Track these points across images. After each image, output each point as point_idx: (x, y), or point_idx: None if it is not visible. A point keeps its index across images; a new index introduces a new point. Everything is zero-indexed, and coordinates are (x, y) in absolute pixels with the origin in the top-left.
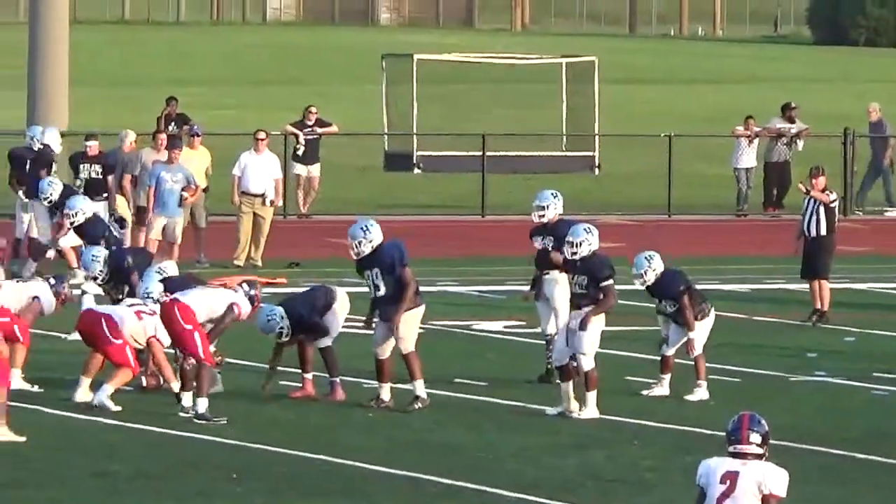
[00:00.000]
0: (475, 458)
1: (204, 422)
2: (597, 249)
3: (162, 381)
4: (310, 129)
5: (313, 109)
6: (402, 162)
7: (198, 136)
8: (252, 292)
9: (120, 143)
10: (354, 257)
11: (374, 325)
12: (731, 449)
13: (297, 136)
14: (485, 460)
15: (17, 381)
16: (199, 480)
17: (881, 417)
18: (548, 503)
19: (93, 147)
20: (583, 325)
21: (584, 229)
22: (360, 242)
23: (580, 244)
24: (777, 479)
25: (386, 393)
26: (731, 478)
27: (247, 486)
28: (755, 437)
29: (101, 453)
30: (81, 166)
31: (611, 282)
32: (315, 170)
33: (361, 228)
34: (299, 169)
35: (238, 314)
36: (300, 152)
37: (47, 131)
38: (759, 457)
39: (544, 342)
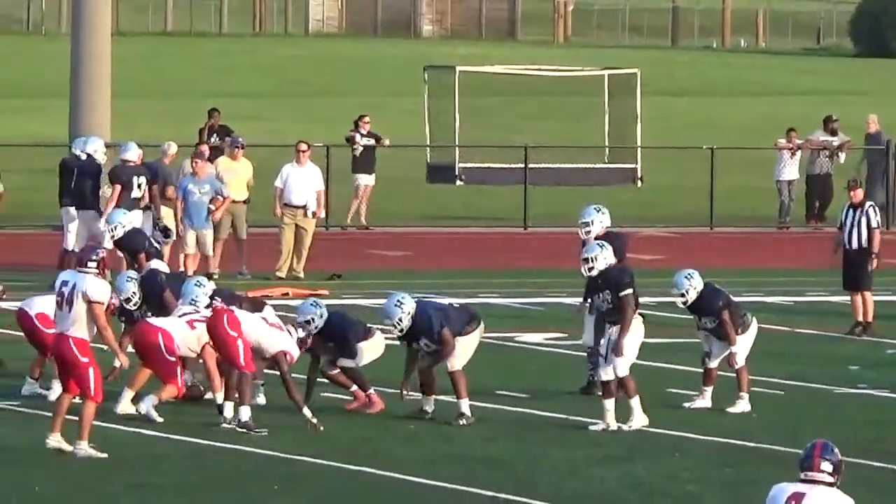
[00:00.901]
0: (518, 470)
1: (245, 430)
2: (613, 262)
3: (199, 392)
4: (366, 137)
5: (366, 119)
6: (444, 174)
7: (240, 147)
8: (302, 335)
9: (162, 154)
10: (399, 334)
11: (405, 396)
12: (802, 476)
13: (352, 140)
14: (527, 472)
15: (28, 387)
16: (242, 492)
17: None
18: None
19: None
20: (617, 352)
21: (598, 244)
22: (400, 319)
23: (595, 259)
24: None
25: (430, 405)
26: (796, 499)
27: (290, 497)
28: (826, 466)
29: (144, 465)
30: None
31: (629, 291)
32: (372, 179)
33: (395, 305)
34: (364, 179)
35: (291, 361)
36: (357, 153)
37: (90, 142)
38: (829, 485)
39: (585, 353)
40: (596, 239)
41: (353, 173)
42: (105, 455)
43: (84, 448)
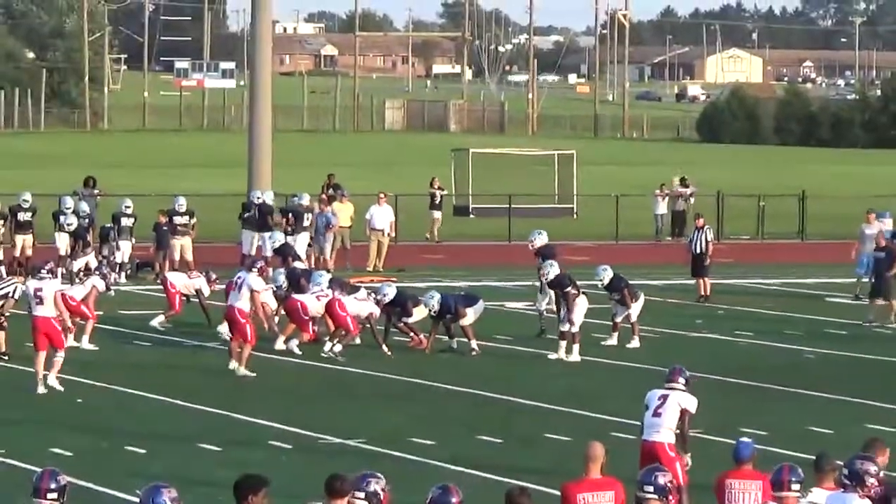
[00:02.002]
0: (509, 379)
1: (337, 356)
2: (558, 272)
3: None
4: (438, 188)
5: (437, 179)
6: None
7: (345, 196)
8: (378, 297)
9: (299, 199)
10: (433, 314)
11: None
12: (666, 385)
13: (435, 191)
14: (511, 378)
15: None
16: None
17: None
18: None
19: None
20: (570, 320)
21: (549, 263)
22: (432, 306)
23: (547, 274)
24: None
25: (454, 344)
26: (663, 397)
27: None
28: (681, 378)
29: (289, 380)
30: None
31: (569, 289)
32: (440, 214)
33: (430, 298)
34: (436, 214)
35: (374, 317)
36: (435, 203)
37: (265, 194)
38: (683, 390)
39: (538, 314)
40: (538, 250)
41: (430, 209)
42: (255, 374)
43: (244, 371)
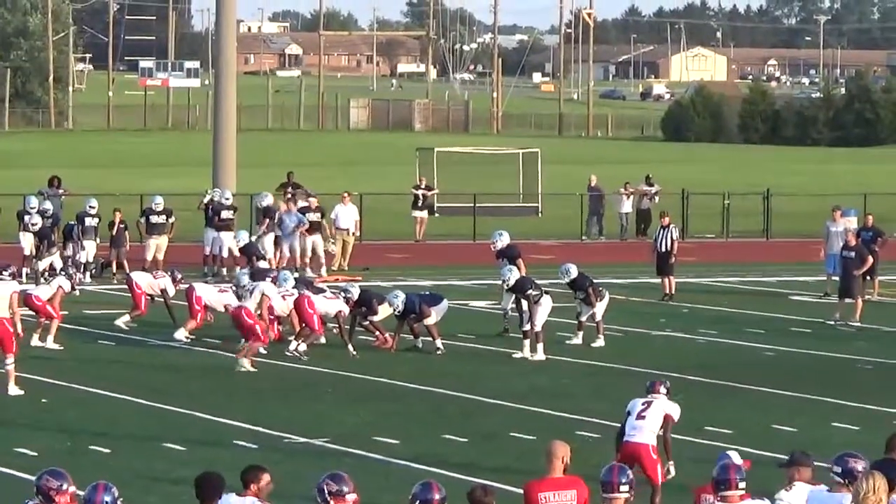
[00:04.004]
0: (470, 377)
1: (300, 356)
2: (518, 277)
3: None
4: (425, 188)
5: (424, 180)
6: (428, 209)
7: (310, 195)
8: (348, 296)
9: (261, 199)
10: (398, 313)
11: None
12: (648, 396)
13: (418, 189)
14: (475, 379)
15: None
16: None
17: None
18: None
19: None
20: (532, 320)
21: (508, 269)
22: (396, 306)
23: (508, 280)
24: None
25: (419, 343)
26: (647, 404)
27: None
28: (663, 389)
29: (266, 374)
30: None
31: (529, 292)
32: (426, 213)
33: (394, 297)
34: (420, 214)
35: (343, 316)
36: (420, 203)
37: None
38: (666, 396)
39: (502, 313)
40: (499, 251)
41: (413, 210)
42: (257, 371)
43: (245, 365)
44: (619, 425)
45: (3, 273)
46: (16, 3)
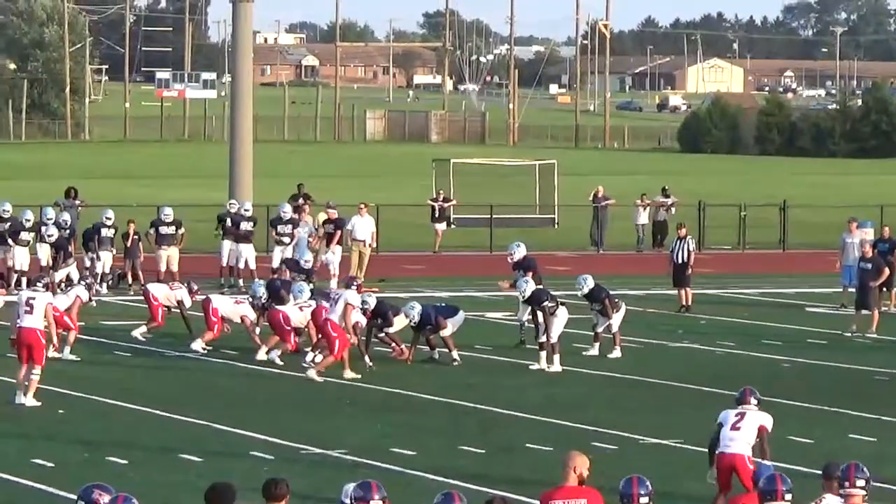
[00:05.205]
0: (488, 390)
1: (314, 366)
2: (534, 289)
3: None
4: (443, 200)
5: (442, 192)
6: (445, 221)
7: (310, 204)
8: (365, 306)
9: (281, 209)
10: (413, 324)
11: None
12: (739, 408)
13: (436, 201)
14: (492, 390)
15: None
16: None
17: None
18: None
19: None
20: (548, 333)
21: (524, 280)
22: (413, 317)
23: (524, 291)
24: None
25: (435, 354)
26: (740, 416)
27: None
28: (753, 399)
29: (278, 384)
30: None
31: (545, 303)
32: (445, 226)
33: (410, 308)
34: (439, 227)
35: (360, 327)
36: (437, 215)
37: (245, 203)
38: (757, 408)
39: (518, 325)
40: (516, 263)
41: (432, 222)
42: (275, 382)
43: (312, 374)
44: (711, 437)
45: (38, 284)
46: (32, 14)
